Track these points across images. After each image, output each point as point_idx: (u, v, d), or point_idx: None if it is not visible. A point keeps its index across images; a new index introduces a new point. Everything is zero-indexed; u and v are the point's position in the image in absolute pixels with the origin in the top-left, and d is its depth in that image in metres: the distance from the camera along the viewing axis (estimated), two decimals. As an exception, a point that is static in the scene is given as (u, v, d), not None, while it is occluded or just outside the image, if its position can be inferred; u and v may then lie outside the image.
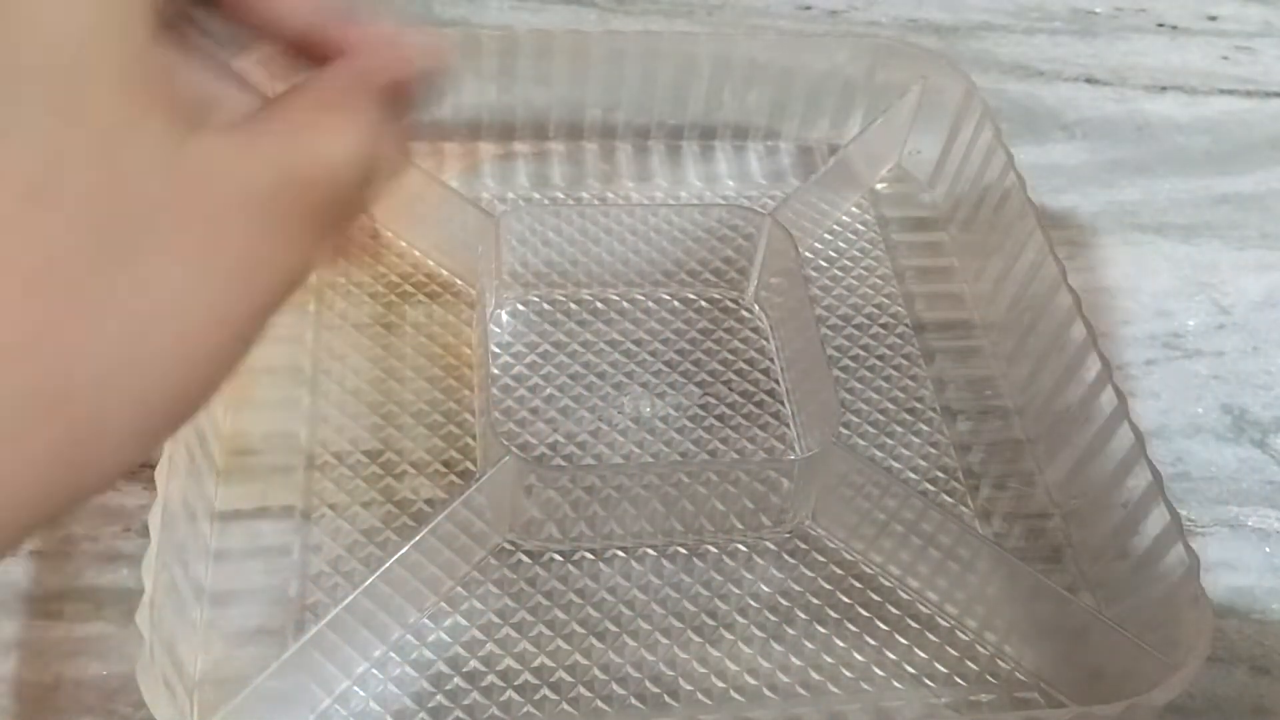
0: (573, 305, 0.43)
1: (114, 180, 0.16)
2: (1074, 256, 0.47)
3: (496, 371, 0.41)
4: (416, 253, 0.44)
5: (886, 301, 0.45)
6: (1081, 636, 0.34)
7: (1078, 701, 0.35)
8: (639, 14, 0.56)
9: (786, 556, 0.37)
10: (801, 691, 0.35)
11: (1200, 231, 0.50)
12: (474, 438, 0.39)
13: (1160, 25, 0.60)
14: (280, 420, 0.39)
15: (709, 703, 0.34)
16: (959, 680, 0.35)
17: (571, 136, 0.49)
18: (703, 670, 0.35)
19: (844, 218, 0.48)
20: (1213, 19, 0.61)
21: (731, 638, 0.35)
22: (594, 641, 0.35)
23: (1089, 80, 0.56)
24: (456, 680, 0.34)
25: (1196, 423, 0.43)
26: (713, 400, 0.41)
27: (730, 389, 0.41)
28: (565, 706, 0.34)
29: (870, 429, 0.41)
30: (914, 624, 0.36)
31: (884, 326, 0.44)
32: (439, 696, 0.33)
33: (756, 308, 0.44)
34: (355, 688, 0.33)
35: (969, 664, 0.36)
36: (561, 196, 0.47)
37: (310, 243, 0.19)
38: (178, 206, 0.16)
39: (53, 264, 0.15)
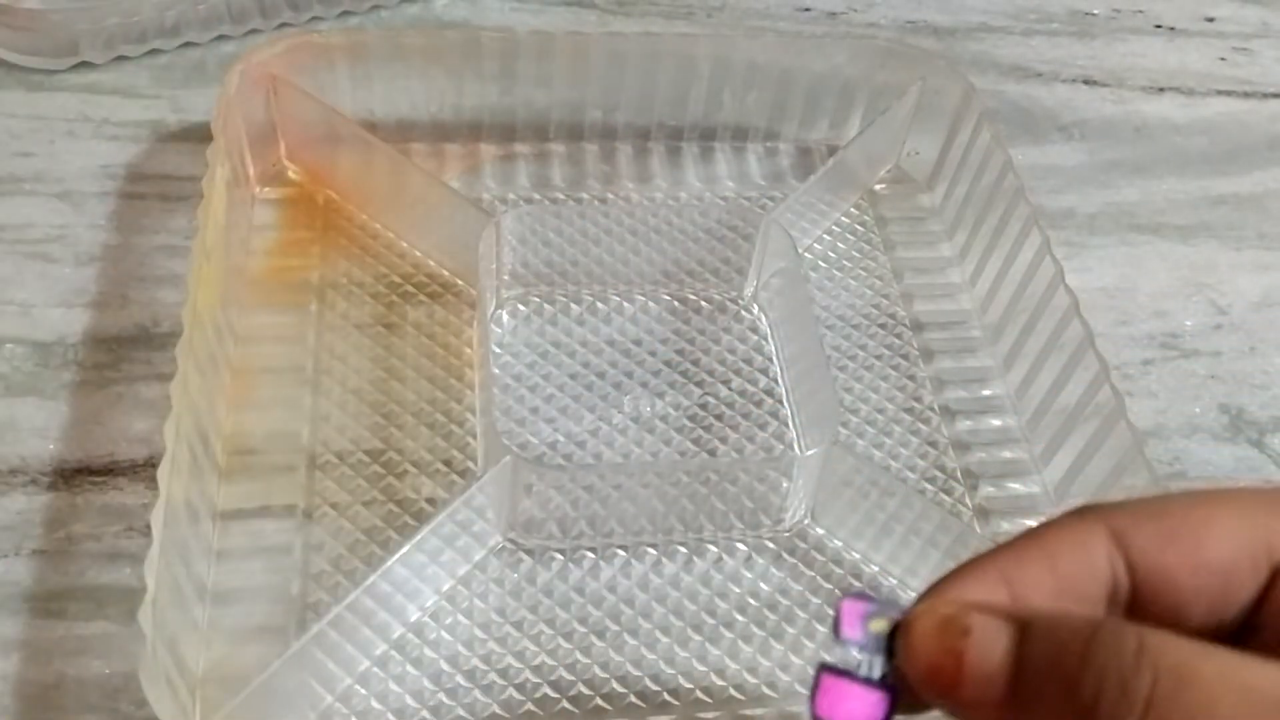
0: (573, 305, 0.43)
1: None
2: (1072, 257, 0.48)
3: (497, 371, 0.41)
4: (418, 253, 0.44)
5: (885, 301, 0.45)
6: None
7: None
8: (639, 15, 0.56)
9: (786, 555, 0.38)
10: (801, 690, 0.35)
11: (1198, 232, 0.50)
12: (474, 437, 0.39)
13: (1158, 26, 0.60)
14: (282, 420, 0.39)
15: (709, 701, 0.34)
16: (957, 678, 0.35)
17: (572, 137, 0.49)
18: (702, 668, 0.35)
19: (843, 218, 0.48)
20: (1210, 20, 0.61)
21: (731, 636, 0.36)
22: (594, 640, 0.35)
23: (1087, 81, 0.56)
24: (457, 678, 0.34)
25: (1194, 422, 0.43)
26: (712, 399, 0.41)
27: (729, 388, 0.42)
28: (565, 704, 0.34)
29: (869, 428, 0.41)
30: (913, 622, 0.36)
31: (882, 326, 0.44)
32: (440, 695, 0.34)
33: (756, 308, 0.44)
34: (357, 686, 0.33)
35: (967, 662, 0.36)
36: (562, 197, 0.47)
37: None
38: None
39: None
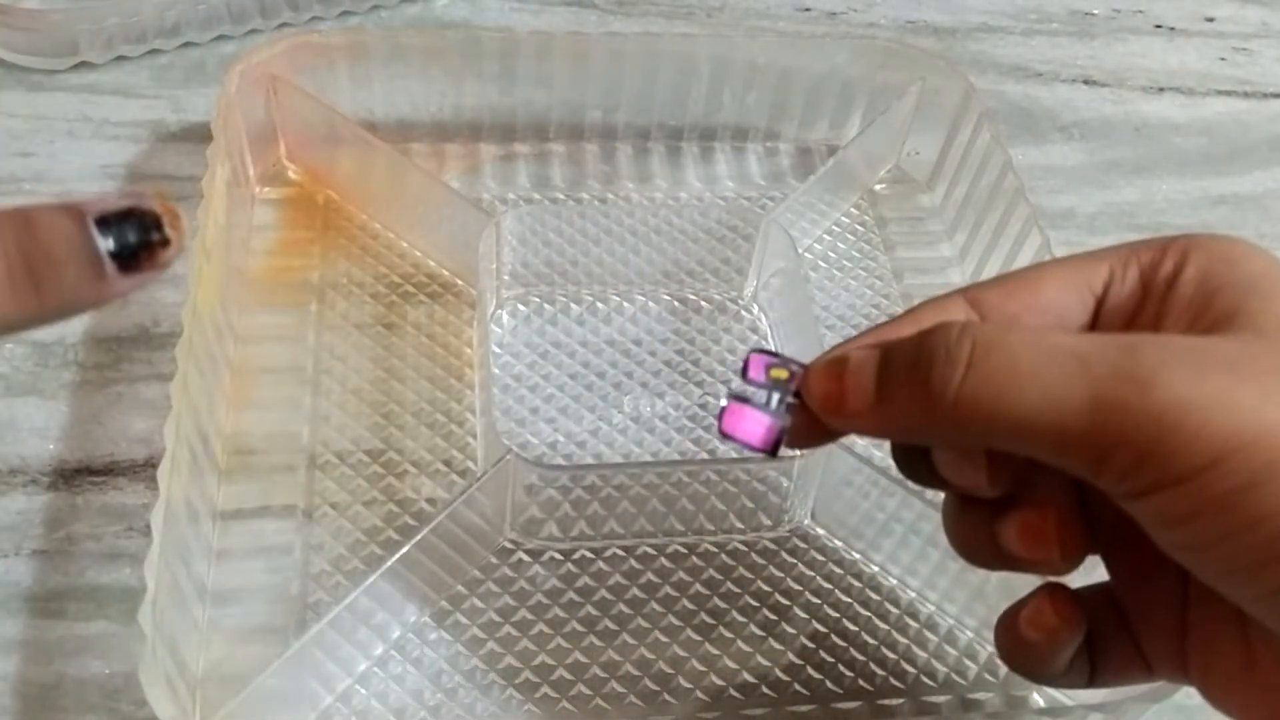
0: (573, 305, 0.43)
1: None
2: (1072, 257, 0.48)
3: (497, 371, 0.41)
4: (418, 253, 0.44)
5: (885, 301, 0.45)
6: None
7: (1077, 700, 0.35)
8: (639, 16, 0.56)
9: (786, 555, 0.38)
10: (801, 690, 0.35)
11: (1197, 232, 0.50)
12: (474, 437, 0.39)
13: (1158, 27, 0.60)
14: (282, 420, 0.39)
15: (709, 701, 0.34)
16: (959, 679, 0.35)
17: (572, 137, 0.49)
18: (703, 669, 0.35)
19: (843, 218, 0.48)
20: (1210, 20, 0.61)
21: (731, 636, 0.36)
22: (594, 640, 0.35)
23: (1087, 81, 0.56)
24: (457, 678, 0.34)
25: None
26: (712, 399, 0.41)
27: (729, 388, 0.41)
28: (566, 704, 0.34)
29: (869, 428, 0.41)
30: (913, 623, 0.36)
31: (883, 326, 0.44)
32: (440, 695, 0.34)
33: (755, 308, 0.44)
34: (357, 686, 0.33)
35: (968, 663, 0.36)
36: (562, 197, 0.47)
37: None
38: None
39: None
